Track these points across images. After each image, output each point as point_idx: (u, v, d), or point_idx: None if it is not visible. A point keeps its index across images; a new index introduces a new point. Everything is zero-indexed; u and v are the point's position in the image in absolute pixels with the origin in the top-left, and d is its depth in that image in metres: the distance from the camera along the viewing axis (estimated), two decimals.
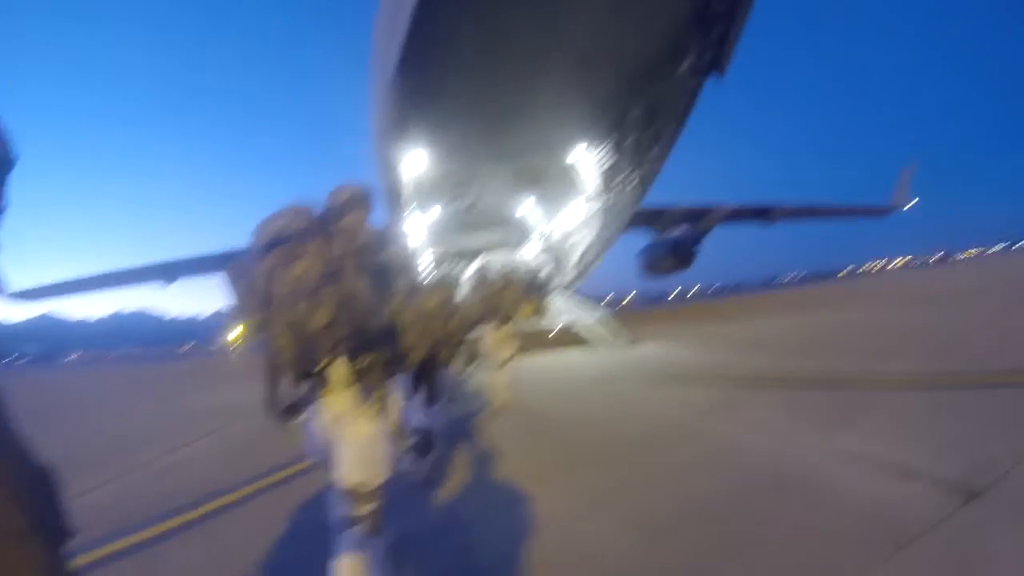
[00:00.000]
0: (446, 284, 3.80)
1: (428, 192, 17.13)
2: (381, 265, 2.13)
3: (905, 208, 24.35)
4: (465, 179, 16.86)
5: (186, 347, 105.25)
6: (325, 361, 1.88)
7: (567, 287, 19.04)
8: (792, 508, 2.40)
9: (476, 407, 5.98)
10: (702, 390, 5.45)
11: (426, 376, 2.70)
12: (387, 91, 9.35)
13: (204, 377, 17.56)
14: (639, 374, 7.18)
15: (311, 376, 1.93)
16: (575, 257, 18.77)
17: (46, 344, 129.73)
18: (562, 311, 14.46)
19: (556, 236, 20.45)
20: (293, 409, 1.98)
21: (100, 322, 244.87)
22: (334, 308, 1.83)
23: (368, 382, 1.95)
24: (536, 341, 12.57)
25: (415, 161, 14.08)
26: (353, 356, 1.92)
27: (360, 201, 2.28)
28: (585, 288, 20.30)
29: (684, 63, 10.29)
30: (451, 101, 11.08)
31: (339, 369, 1.91)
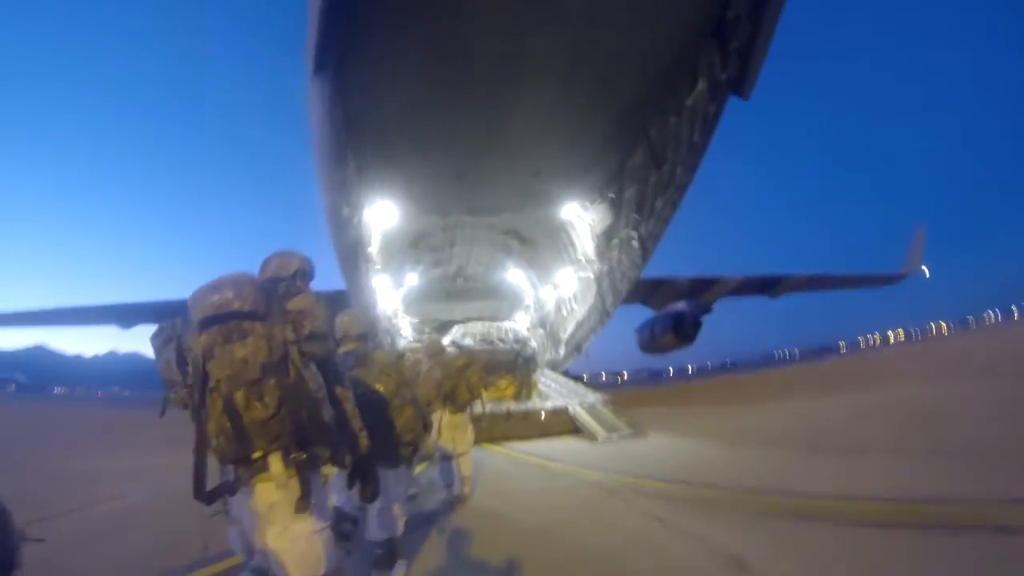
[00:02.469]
0: (399, 366, 3.47)
1: (402, 254, 15.33)
2: (330, 353, 1.96)
3: (921, 272, 21.19)
4: (443, 242, 15.14)
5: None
6: (260, 453, 1.68)
7: (558, 365, 17.03)
8: None
9: (434, 507, 5.03)
10: (735, 518, 3.93)
11: (364, 471, 2.19)
12: (317, 95, 7.11)
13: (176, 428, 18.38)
14: (642, 484, 5.44)
15: (243, 462, 1.71)
16: (568, 331, 16.79)
17: (36, 375, 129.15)
18: (552, 392, 12.59)
19: (547, 307, 18.55)
20: (215, 494, 1.77)
21: (96, 359, 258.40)
22: (276, 402, 1.67)
23: (305, 477, 1.73)
24: (521, 426, 10.80)
25: (377, 212, 12.25)
26: (291, 451, 1.71)
27: (307, 274, 2.27)
28: (576, 366, 18.26)
29: (697, 85, 8.30)
30: (397, 116, 8.81)
31: (275, 463, 1.68)
